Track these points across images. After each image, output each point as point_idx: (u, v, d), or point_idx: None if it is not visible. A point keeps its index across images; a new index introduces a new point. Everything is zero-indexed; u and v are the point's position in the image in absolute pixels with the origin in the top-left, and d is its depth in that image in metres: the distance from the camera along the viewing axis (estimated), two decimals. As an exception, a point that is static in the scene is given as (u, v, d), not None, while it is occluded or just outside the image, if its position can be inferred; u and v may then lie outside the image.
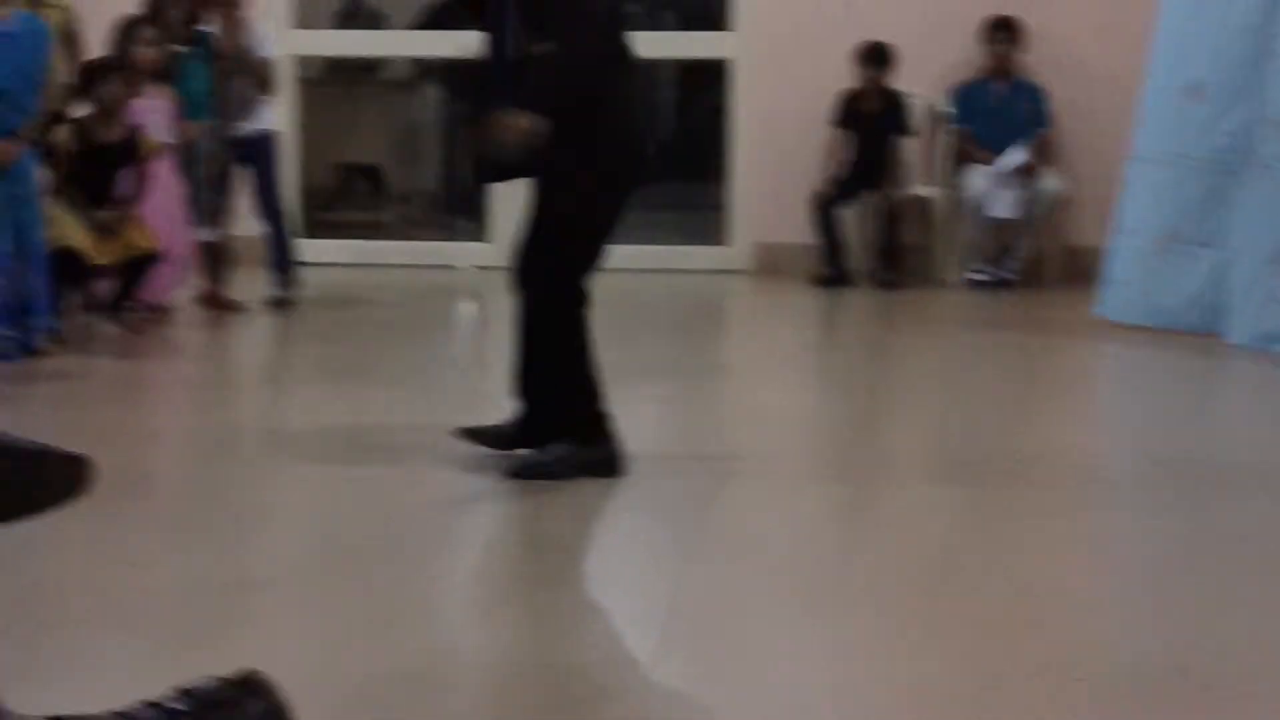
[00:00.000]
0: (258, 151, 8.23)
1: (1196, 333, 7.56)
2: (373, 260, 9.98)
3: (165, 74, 7.74)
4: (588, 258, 4.82)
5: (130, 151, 7.40)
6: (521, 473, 4.79)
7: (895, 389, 6.78)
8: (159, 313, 7.77)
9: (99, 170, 7.29)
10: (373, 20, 11.61)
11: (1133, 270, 7.88)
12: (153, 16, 7.83)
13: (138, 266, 7.34)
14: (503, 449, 4.93)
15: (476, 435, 5.00)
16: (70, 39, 7.79)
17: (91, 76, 7.37)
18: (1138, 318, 7.80)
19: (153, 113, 7.64)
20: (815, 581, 3.97)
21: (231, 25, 8.07)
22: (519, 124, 4.52)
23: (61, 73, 7.55)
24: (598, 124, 4.69)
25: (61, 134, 7.24)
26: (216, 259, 8.14)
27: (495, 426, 5.00)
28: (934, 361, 7.44)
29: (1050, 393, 6.73)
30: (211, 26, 8.09)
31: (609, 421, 4.87)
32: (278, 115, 8.35)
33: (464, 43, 5.20)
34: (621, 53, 4.77)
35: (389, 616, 3.62)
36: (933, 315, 8.67)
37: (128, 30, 7.69)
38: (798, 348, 7.85)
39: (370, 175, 12.19)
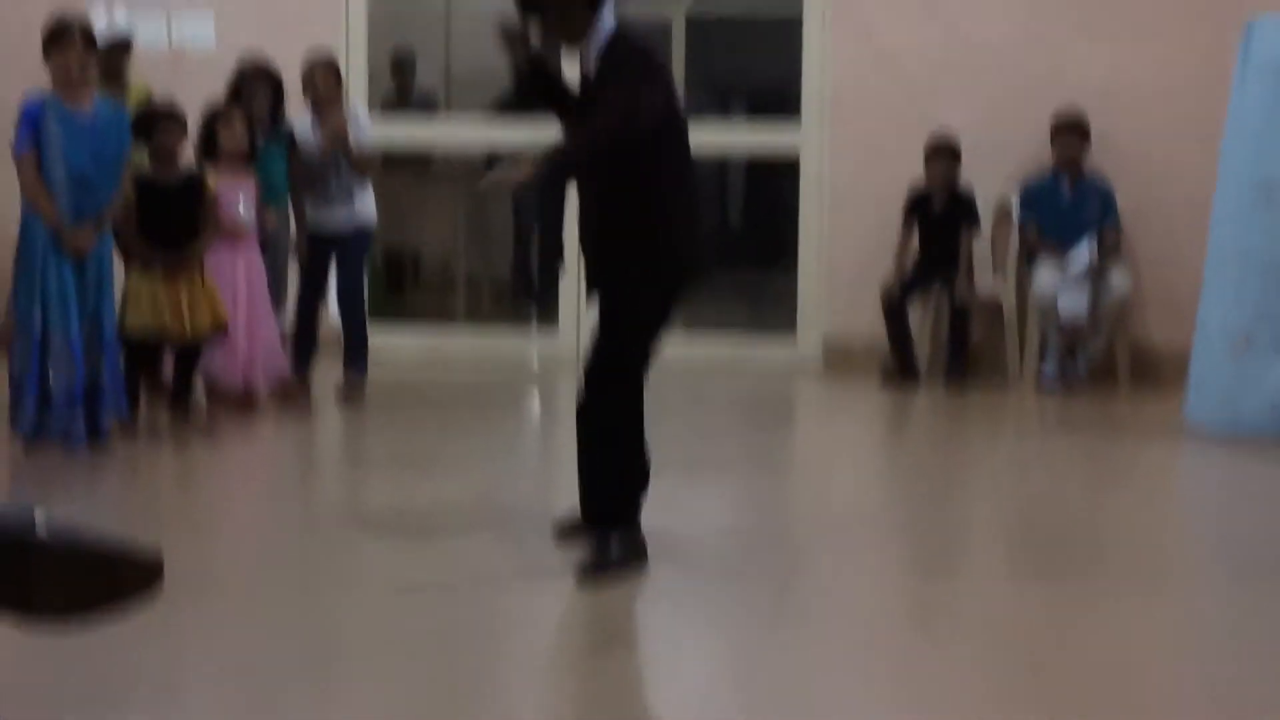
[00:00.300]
0: (352, 242, 8.28)
1: (1276, 436, 7.49)
2: (441, 348, 10.00)
3: (249, 161, 7.82)
4: (641, 350, 4.99)
5: (193, 194, 7.41)
6: (590, 577, 4.84)
7: (962, 490, 6.72)
8: (239, 399, 7.83)
9: (162, 215, 7.29)
10: (427, 104, 11.58)
11: (1213, 373, 7.82)
12: (239, 103, 7.92)
13: (198, 347, 7.38)
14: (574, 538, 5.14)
15: (567, 530, 5.24)
16: None
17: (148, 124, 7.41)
18: (1219, 421, 7.72)
19: (237, 197, 7.72)
20: (893, 673, 3.94)
21: (335, 115, 8.17)
22: (524, 164, 4.67)
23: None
24: (652, 220, 4.86)
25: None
26: (285, 347, 8.20)
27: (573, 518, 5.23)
28: (1003, 464, 7.39)
29: (1125, 494, 6.65)
30: (299, 117, 8.20)
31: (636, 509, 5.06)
32: (373, 206, 8.40)
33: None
34: (679, 147, 4.93)
35: (468, 692, 3.64)
36: (1003, 414, 8.61)
37: (215, 117, 7.78)
38: (867, 444, 7.81)
39: (409, 263, 12.21)
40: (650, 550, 5.03)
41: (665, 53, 13.58)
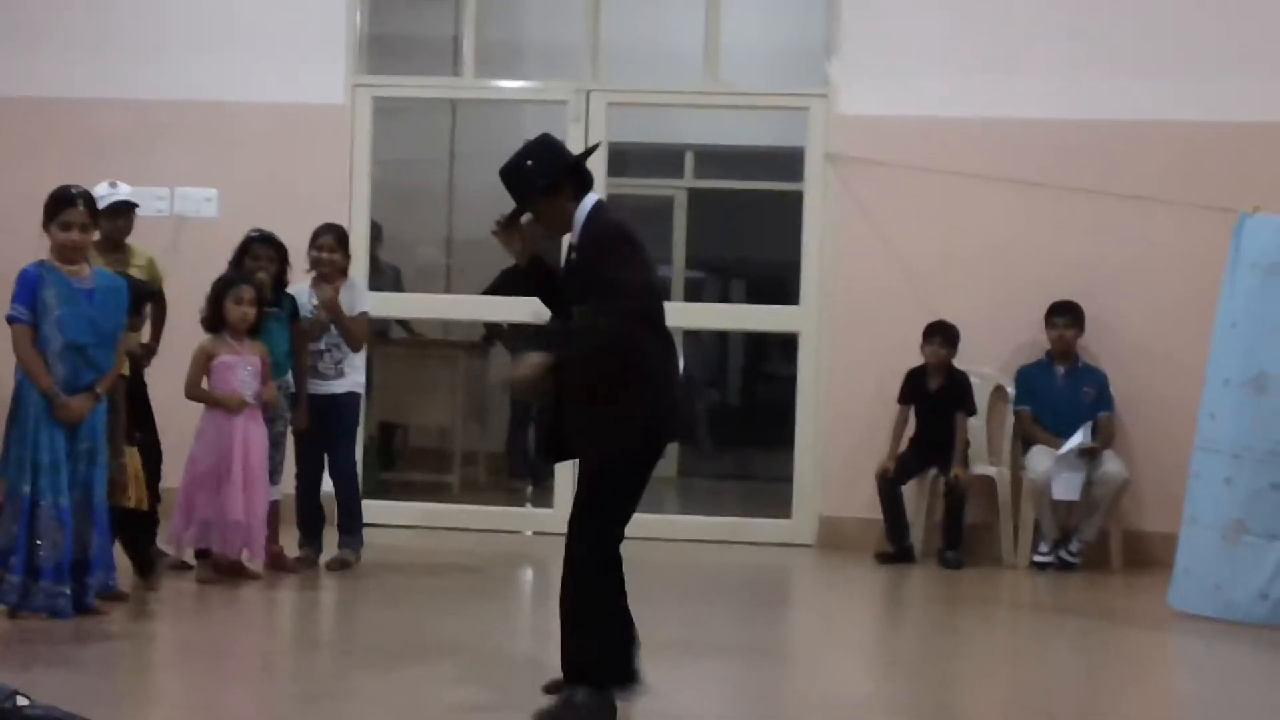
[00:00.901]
0: (340, 411, 8.32)
1: (1268, 625, 7.43)
2: (437, 523, 9.96)
3: (255, 332, 7.86)
4: (617, 511, 5.21)
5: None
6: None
7: (959, 674, 6.65)
8: (232, 569, 7.80)
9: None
10: (393, 279, 11.52)
11: (1201, 561, 7.78)
12: (243, 276, 7.96)
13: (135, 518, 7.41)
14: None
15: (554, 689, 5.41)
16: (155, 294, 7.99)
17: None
18: (1207, 609, 7.68)
19: (243, 370, 7.75)
20: None
21: (336, 287, 8.25)
22: (532, 362, 5.04)
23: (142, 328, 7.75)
24: (627, 387, 5.12)
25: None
26: (277, 518, 8.17)
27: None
28: (999, 647, 7.33)
29: (1116, 683, 6.57)
30: (297, 285, 8.26)
31: (625, 669, 5.24)
32: (362, 375, 8.44)
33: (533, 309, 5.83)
34: (654, 322, 5.23)
35: None
36: (997, 597, 8.56)
37: (222, 288, 7.83)
38: (860, 629, 7.75)
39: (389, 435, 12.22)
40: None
41: (665, 226, 13.81)
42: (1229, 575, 7.66)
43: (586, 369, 5.16)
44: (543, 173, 5.23)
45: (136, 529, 7.48)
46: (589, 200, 5.29)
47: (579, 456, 5.41)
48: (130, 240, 8.04)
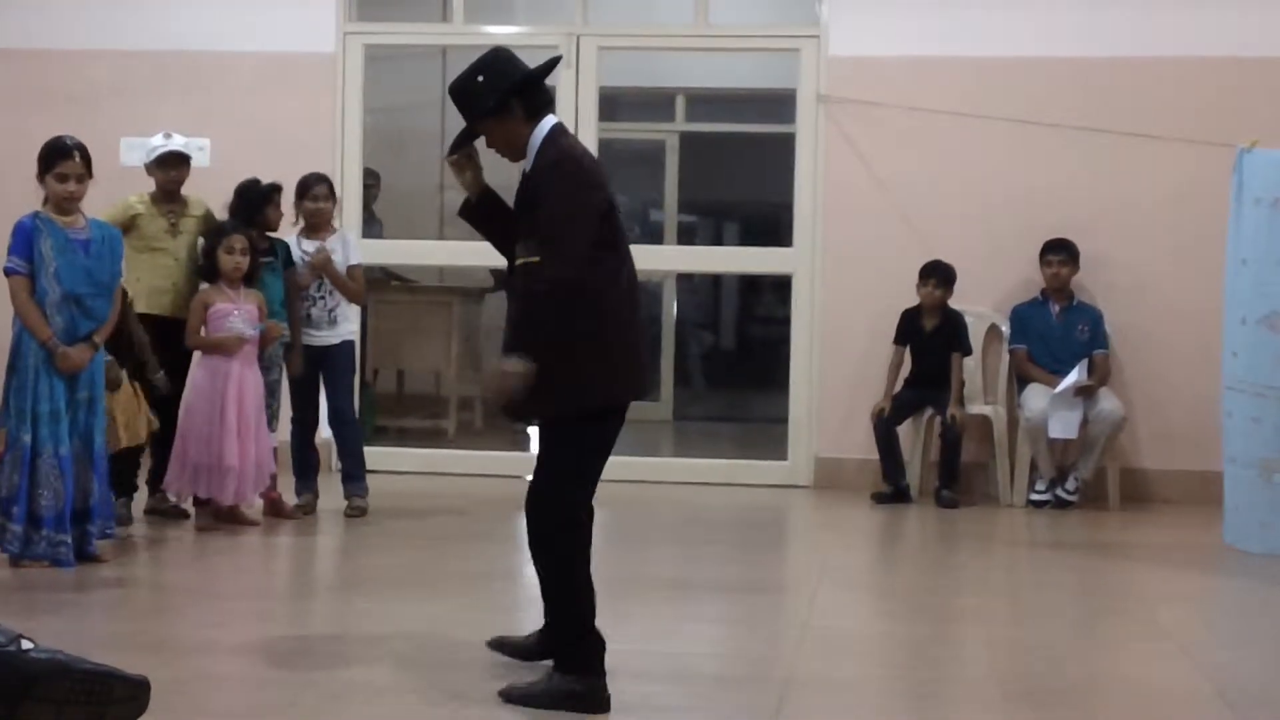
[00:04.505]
0: (336, 360, 8.34)
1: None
2: (434, 469, 10.00)
3: (251, 280, 7.88)
4: (579, 476, 4.81)
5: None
6: (509, 697, 4.78)
7: (958, 609, 6.69)
8: (230, 514, 7.85)
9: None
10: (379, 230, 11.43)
11: (1245, 499, 7.85)
12: (238, 224, 7.96)
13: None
14: (527, 660, 5.09)
15: (503, 646, 5.24)
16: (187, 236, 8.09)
17: None
18: (1254, 545, 7.78)
19: (239, 318, 7.77)
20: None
21: (322, 236, 8.28)
22: (512, 371, 4.61)
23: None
24: (584, 342, 4.68)
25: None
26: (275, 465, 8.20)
27: (523, 638, 5.22)
28: (997, 583, 7.37)
29: (1114, 617, 6.62)
30: (293, 235, 8.28)
31: (598, 652, 4.78)
32: (356, 324, 8.45)
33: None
34: (613, 273, 4.77)
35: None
36: (994, 535, 8.60)
37: (217, 239, 7.85)
38: (857, 566, 7.78)
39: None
40: (642, 672, 5.01)
41: (657, 170, 13.79)
42: (1270, 513, 7.73)
43: (538, 325, 4.66)
44: (492, 90, 4.77)
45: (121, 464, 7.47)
46: (546, 123, 4.82)
47: (536, 417, 4.96)
48: (184, 191, 8.11)
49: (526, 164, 4.85)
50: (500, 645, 5.25)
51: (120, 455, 7.33)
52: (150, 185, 8.08)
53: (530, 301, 4.66)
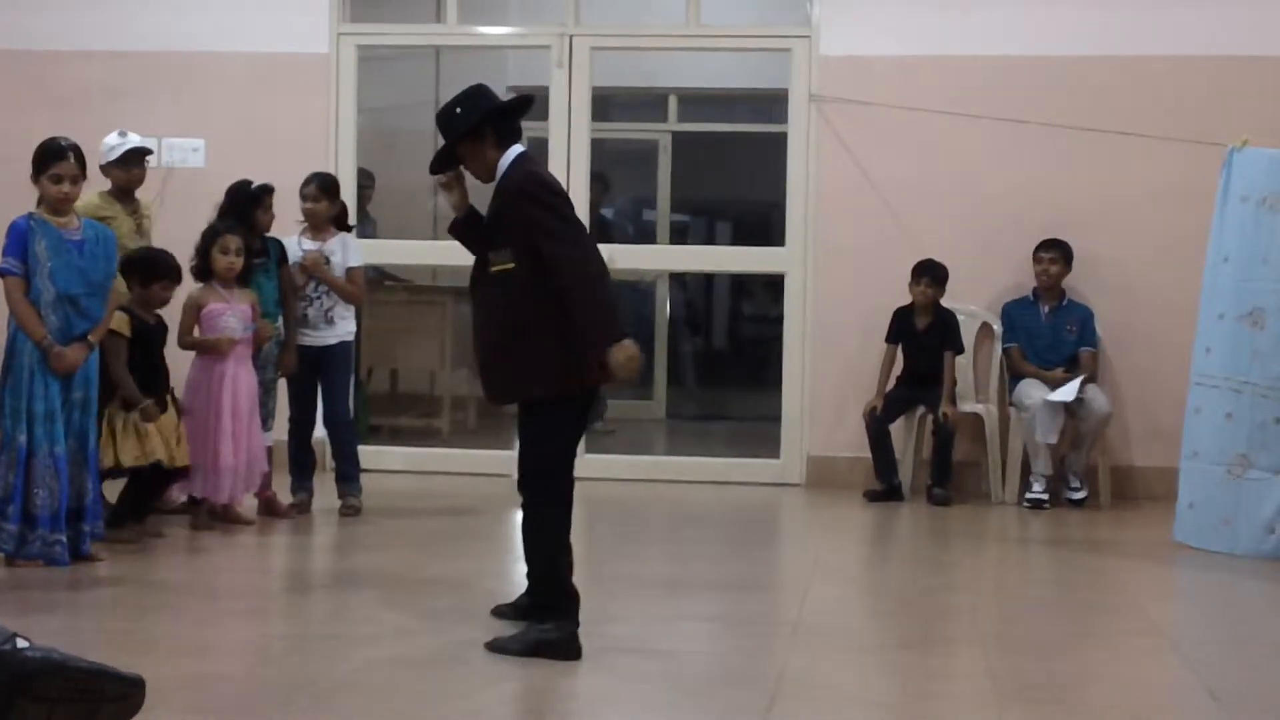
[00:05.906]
0: (332, 361, 8.35)
1: (1273, 559, 7.56)
2: (428, 468, 10.02)
3: (244, 280, 7.89)
4: (561, 458, 5.46)
5: (163, 335, 7.61)
6: (493, 647, 5.39)
7: (949, 606, 6.71)
8: (225, 514, 7.87)
9: (144, 356, 7.41)
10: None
11: (1206, 496, 7.87)
12: (232, 225, 7.96)
13: (161, 476, 7.44)
14: (528, 618, 5.58)
15: (504, 613, 5.85)
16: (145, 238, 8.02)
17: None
18: (1214, 544, 7.79)
19: (233, 317, 7.79)
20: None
21: (320, 237, 8.30)
22: (629, 352, 5.25)
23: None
24: (561, 325, 5.31)
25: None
26: (270, 464, 8.22)
27: (516, 600, 5.89)
28: (988, 580, 7.40)
29: (1106, 614, 6.64)
30: (288, 236, 8.29)
31: (573, 605, 5.40)
32: (352, 324, 8.47)
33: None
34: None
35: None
36: (985, 532, 8.62)
37: (211, 239, 7.85)
38: (849, 564, 7.81)
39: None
40: (633, 669, 5.07)
41: (650, 169, 13.81)
42: (1235, 509, 7.75)
43: (518, 308, 5.38)
44: (466, 116, 5.51)
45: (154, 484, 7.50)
46: (514, 150, 5.54)
47: (517, 399, 5.54)
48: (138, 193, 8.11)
49: (495, 184, 5.55)
50: (502, 614, 5.86)
51: (156, 475, 7.35)
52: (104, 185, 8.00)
53: (586, 290, 5.28)
